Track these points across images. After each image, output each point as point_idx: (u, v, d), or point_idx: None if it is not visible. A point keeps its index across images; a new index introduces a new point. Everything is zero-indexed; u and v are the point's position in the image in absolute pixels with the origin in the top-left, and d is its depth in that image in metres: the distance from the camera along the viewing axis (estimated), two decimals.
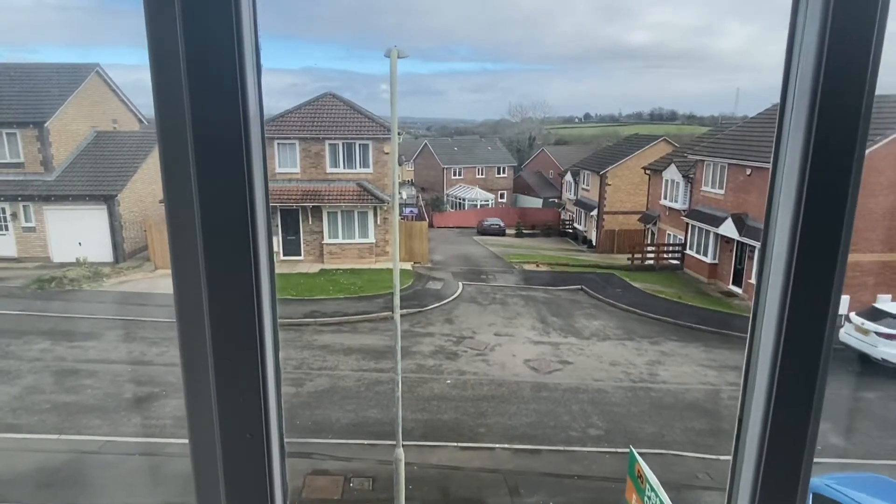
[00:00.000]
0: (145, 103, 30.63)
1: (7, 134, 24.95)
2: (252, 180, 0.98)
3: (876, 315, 16.43)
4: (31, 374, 14.43)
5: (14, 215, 24.95)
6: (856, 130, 0.89)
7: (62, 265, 23.58)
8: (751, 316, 1.03)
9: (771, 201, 0.94)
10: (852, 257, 20.69)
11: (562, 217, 48.30)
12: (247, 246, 0.98)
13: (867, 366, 15.99)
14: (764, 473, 1.03)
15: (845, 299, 20.32)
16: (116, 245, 25.32)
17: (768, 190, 0.95)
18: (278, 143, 27.08)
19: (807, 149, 0.90)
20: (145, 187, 26.43)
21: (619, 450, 11.67)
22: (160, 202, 27.00)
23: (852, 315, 16.97)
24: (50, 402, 13.06)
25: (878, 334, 15.74)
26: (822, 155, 0.90)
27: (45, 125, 24.89)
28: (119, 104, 29.70)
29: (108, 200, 25.04)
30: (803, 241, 0.92)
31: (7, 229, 25.06)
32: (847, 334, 16.70)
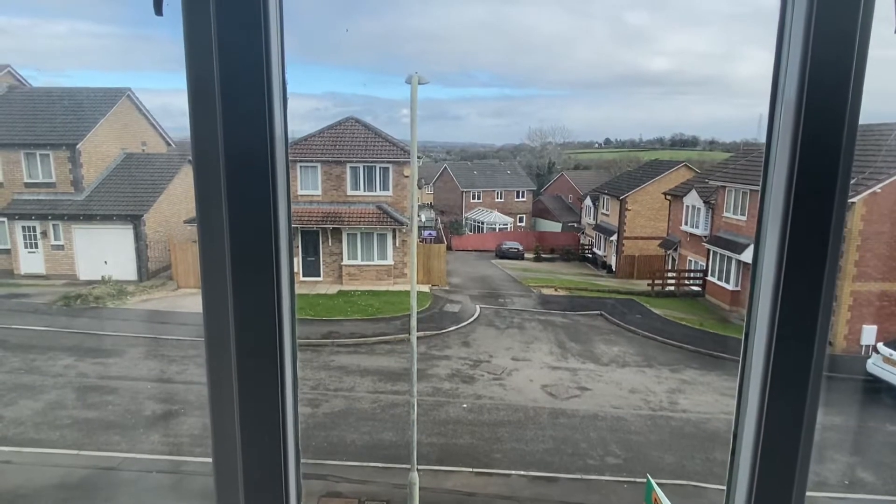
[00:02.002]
0: (173, 126, 31.45)
1: (41, 155, 25.79)
2: (276, 200, 1.04)
3: None
4: (55, 390, 14.67)
5: (44, 234, 25.63)
6: (838, 154, 0.93)
7: (88, 283, 24.10)
8: (743, 335, 1.05)
9: (760, 225, 0.98)
10: (881, 286, 20.22)
11: (581, 241, 48.07)
12: (270, 261, 1.04)
13: None
14: (757, 487, 1.04)
15: (872, 329, 19.82)
16: (141, 264, 25.83)
17: (758, 215, 0.99)
18: (301, 166, 27.56)
19: (791, 172, 0.94)
20: (171, 208, 27.02)
21: (638, 479, 11.42)
22: (185, 222, 27.37)
23: (880, 346, 16.50)
24: (71, 418, 13.25)
25: None
26: (806, 179, 0.94)
27: (77, 147, 25.68)
28: (148, 127, 30.55)
29: (135, 220, 25.63)
30: (790, 263, 0.95)
31: (37, 247, 25.73)
32: (875, 365, 16.23)
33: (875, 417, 15.21)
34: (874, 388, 16.05)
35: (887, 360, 15.79)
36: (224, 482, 1.14)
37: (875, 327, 19.90)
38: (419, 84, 10.88)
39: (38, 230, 25.63)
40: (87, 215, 25.48)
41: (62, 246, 25.70)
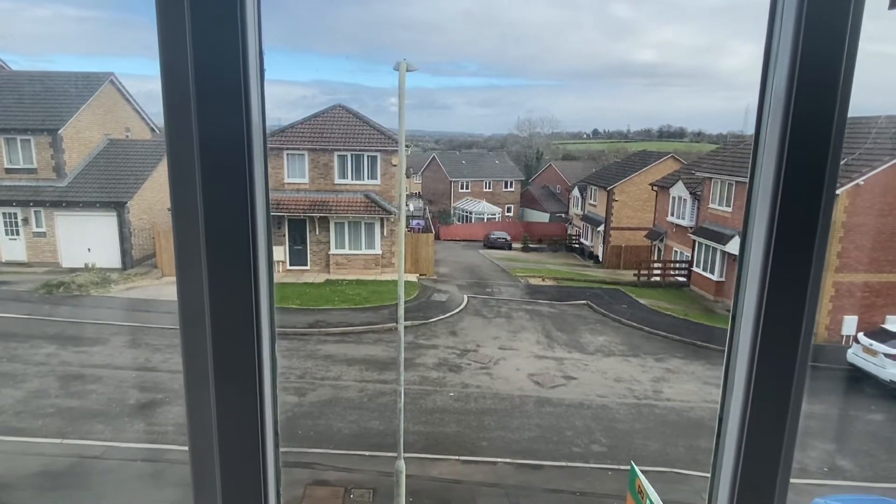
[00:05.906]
0: (158, 112, 30.88)
1: (21, 140, 25.31)
2: (253, 186, 1.02)
3: (885, 336, 16.26)
4: (37, 378, 14.51)
5: (25, 220, 25.22)
6: (826, 146, 0.93)
7: (71, 270, 23.77)
8: (729, 322, 1.06)
9: (748, 215, 0.98)
10: (863, 277, 20.54)
11: (568, 232, 48.26)
12: (247, 249, 1.02)
13: (875, 387, 15.81)
14: (742, 472, 1.05)
15: (853, 320, 20.15)
16: (125, 252, 25.51)
17: (745, 205, 0.99)
18: (287, 154, 27.28)
19: (780, 163, 0.94)
20: (155, 195, 26.67)
21: (622, 467, 11.57)
22: (169, 210, 27.31)
23: (860, 336, 16.81)
24: (54, 407, 13.12)
25: (887, 356, 15.57)
26: (794, 171, 0.94)
27: (59, 132, 25.22)
28: (132, 113, 30.07)
29: (119, 207, 25.28)
30: (777, 253, 0.95)
31: (18, 234, 25.32)
32: (855, 355, 16.54)
33: (855, 406, 15.51)
34: (854, 378, 16.36)
35: (867, 350, 16.09)
36: (200, 470, 1.13)
37: (856, 318, 20.24)
38: (407, 71, 10.80)
39: (20, 217, 25.20)
40: (69, 202, 25.08)
41: (44, 233, 25.31)
